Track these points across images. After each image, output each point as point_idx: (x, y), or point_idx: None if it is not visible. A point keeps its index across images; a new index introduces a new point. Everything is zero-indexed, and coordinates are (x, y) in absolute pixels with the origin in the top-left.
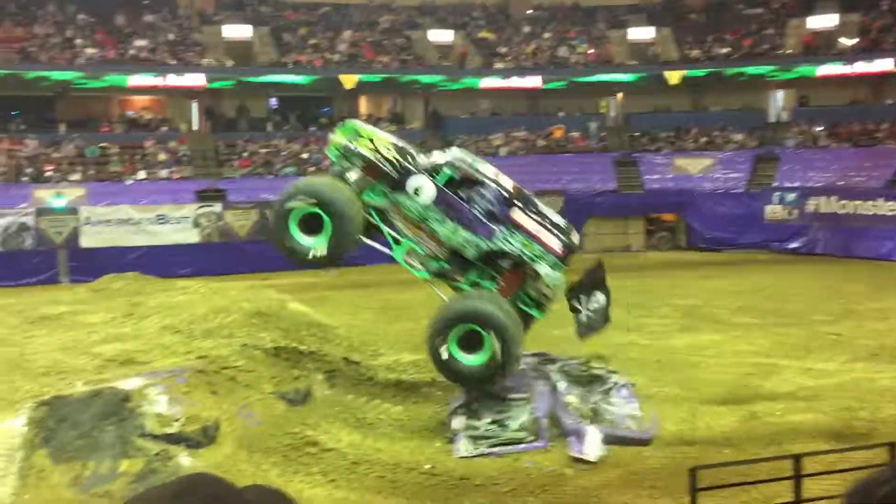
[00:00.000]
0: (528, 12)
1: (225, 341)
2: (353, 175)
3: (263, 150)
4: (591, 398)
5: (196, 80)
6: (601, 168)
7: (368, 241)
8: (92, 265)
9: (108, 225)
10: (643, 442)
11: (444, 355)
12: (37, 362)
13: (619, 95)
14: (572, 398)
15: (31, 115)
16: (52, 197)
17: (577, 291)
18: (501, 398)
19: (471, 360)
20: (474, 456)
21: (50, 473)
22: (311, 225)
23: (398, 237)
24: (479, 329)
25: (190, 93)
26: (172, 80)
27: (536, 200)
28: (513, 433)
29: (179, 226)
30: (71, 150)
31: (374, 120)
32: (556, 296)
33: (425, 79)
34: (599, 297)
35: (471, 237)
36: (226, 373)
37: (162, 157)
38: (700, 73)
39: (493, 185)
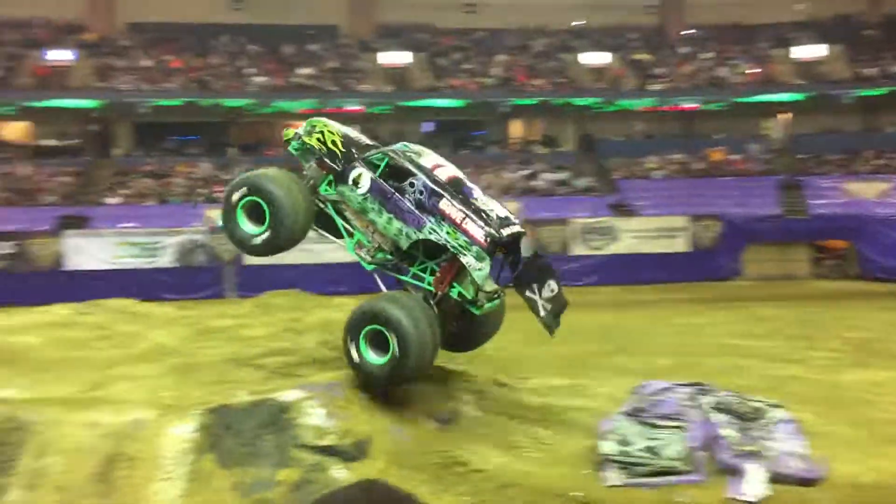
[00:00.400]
0: (685, 32)
1: None
2: (310, 169)
3: None
4: (752, 433)
5: (355, 105)
6: (763, 192)
7: (322, 233)
8: (255, 281)
9: None
10: (811, 482)
11: (354, 355)
12: (205, 372)
13: (786, 116)
14: (730, 432)
15: (206, 139)
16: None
17: (524, 283)
18: (655, 424)
19: (376, 360)
20: (626, 485)
21: (215, 478)
22: (257, 214)
23: (350, 229)
24: (383, 330)
25: (349, 117)
26: (333, 105)
27: (479, 194)
28: (667, 462)
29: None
30: (240, 172)
31: (525, 143)
32: (490, 289)
33: (578, 101)
34: (551, 284)
35: (403, 227)
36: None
37: None
38: (875, 92)
39: (424, 176)
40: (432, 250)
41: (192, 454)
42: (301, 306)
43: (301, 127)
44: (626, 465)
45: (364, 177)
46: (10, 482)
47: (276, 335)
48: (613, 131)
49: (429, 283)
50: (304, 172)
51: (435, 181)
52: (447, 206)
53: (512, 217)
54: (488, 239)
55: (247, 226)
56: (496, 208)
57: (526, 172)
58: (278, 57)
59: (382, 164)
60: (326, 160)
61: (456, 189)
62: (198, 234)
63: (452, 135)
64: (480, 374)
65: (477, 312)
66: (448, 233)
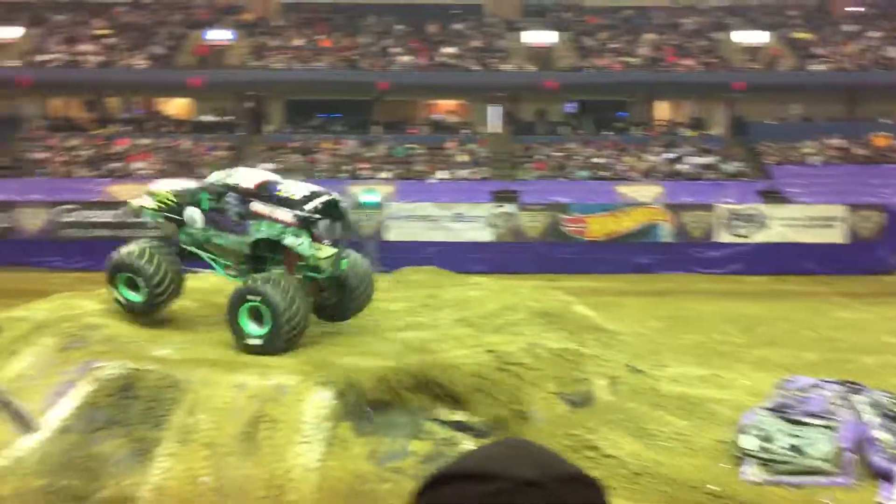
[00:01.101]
0: (851, 10)
1: (512, 338)
2: (164, 227)
3: (558, 154)
4: None
5: (497, 84)
6: None
7: (198, 271)
8: (395, 257)
9: (410, 220)
10: None
11: (246, 329)
12: (343, 342)
13: None
14: (884, 434)
15: (351, 117)
16: (364, 193)
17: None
18: (800, 422)
19: (257, 331)
20: (766, 482)
21: (351, 445)
22: (132, 284)
23: (215, 258)
24: (258, 304)
25: (491, 97)
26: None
27: (286, 185)
28: (812, 462)
29: (475, 224)
30: (383, 150)
31: (671, 125)
32: (325, 255)
33: (730, 82)
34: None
35: (238, 238)
36: (512, 369)
37: (462, 158)
38: None
39: (232, 192)
40: (273, 246)
41: (330, 420)
42: (438, 283)
43: (139, 200)
44: (768, 463)
45: (195, 213)
46: (164, 436)
47: (413, 310)
48: (767, 114)
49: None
50: (161, 232)
51: (243, 191)
52: (257, 206)
53: (319, 190)
54: (295, 217)
55: (129, 294)
56: (299, 191)
57: (671, 156)
58: (423, 36)
59: (204, 198)
60: (170, 216)
61: (262, 190)
62: None
63: (595, 116)
64: (615, 359)
65: (320, 277)
66: (267, 226)
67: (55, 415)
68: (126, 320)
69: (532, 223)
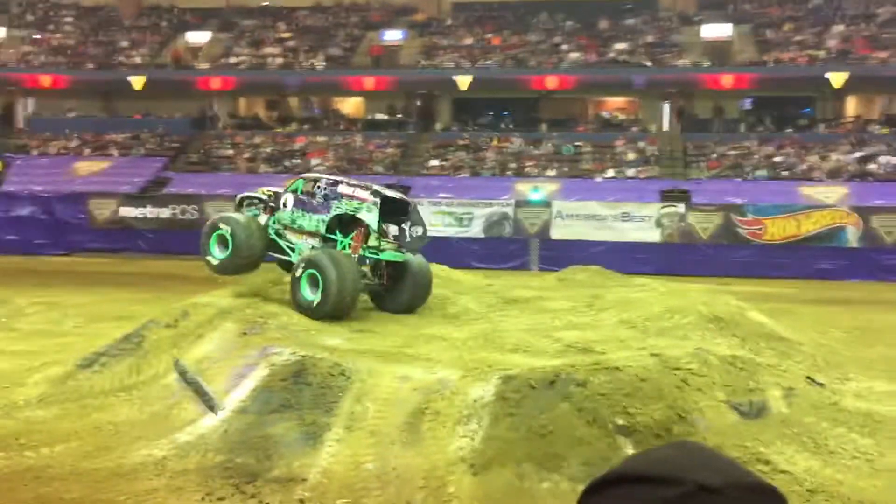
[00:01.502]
0: None
1: (679, 342)
2: (261, 216)
3: (733, 153)
4: None
5: (671, 81)
6: None
7: (277, 256)
8: (559, 255)
9: (576, 219)
10: None
11: (303, 293)
12: (506, 339)
13: None
14: None
15: (518, 115)
16: (530, 190)
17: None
18: None
19: (310, 296)
20: None
21: (509, 440)
22: (224, 242)
23: (292, 245)
24: (315, 272)
25: (663, 94)
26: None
27: (358, 182)
28: None
29: (642, 224)
30: (549, 148)
31: (862, 122)
32: (387, 238)
33: None
34: (422, 227)
35: (318, 217)
36: (677, 374)
37: (631, 156)
38: None
39: (324, 177)
40: (346, 228)
41: (489, 417)
42: (602, 283)
43: (243, 196)
44: None
45: (289, 197)
46: (333, 422)
47: (575, 310)
48: None
49: (347, 247)
50: (259, 218)
51: (333, 177)
52: (343, 187)
53: (396, 192)
54: (372, 195)
55: (215, 250)
56: (381, 189)
57: (860, 155)
58: (594, 32)
59: (300, 186)
60: (268, 202)
61: (344, 179)
62: (506, 207)
63: (774, 112)
64: (792, 370)
65: (382, 257)
66: (346, 204)
67: (235, 396)
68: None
69: (703, 224)
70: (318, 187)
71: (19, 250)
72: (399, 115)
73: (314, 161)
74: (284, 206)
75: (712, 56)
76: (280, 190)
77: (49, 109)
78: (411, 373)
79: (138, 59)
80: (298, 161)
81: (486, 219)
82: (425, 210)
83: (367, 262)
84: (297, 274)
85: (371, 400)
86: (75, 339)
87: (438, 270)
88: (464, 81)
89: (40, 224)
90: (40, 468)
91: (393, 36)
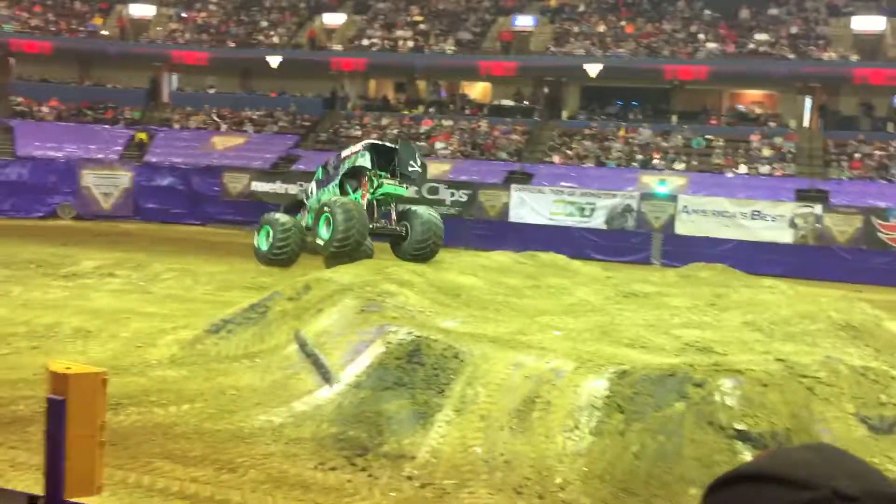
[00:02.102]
0: None
1: (807, 349)
2: (303, 214)
3: (879, 153)
4: None
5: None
6: None
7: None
8: (682, 251)
9: (702, 215)
10: None
11: (320, 233)
12: (622, 333)
13: None
14: None
15: (648, 105)
16: (656, 183)
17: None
18: None
19: (324, 234)
20: None
21: (621, 436)
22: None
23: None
24: (328, 215)
25: (805, 88)
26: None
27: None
28: None
29: (774, 224)
30: (679, 140)
31: None
32: (385, 180)
33: None
34: (418, 162)
35: (333, 184)
36: (803, 381)
37: (766, 152)
38: None
39: (334, 156)
40: (354, 181)
41: (602, 410)
42: (727, 283)
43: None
44: None
45: (312, 187)
46: (444, 403)
47: (697, 308)
48: None
49: (359, 196)
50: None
51: (338, 155)
52: (343, 153)
53: (389, 143)
54: (362, 146)
55: (261, 241)
56: (372, 140)
57: None
58: (734, 22)
59: (319, 173)
60: (304, 202)
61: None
62: (630, 199)
63: None
64: None
65: (382, 190)
66: (348, 161)
67: (351, 371)
68: (417, 292)
69: (841, 227)
70: (331, 164)
71: (158, 218)
72: (526, 102)
73: (439, 144)
74: (311, 193)
75: (862, 50)
76: (309, 186)
77: (191, 85)
78: (525, 360)
79: (276, 39)
80: (424, 144)
81: (609, 210)
82: (546, 199)
83: (381, 208)
84: (318, 217)
85: (483, 384)
86: (204, 305)
87: (557, 260)
88: (594, 69)
89: (178, 194)
90: (168, 425)
91: (524, 21)
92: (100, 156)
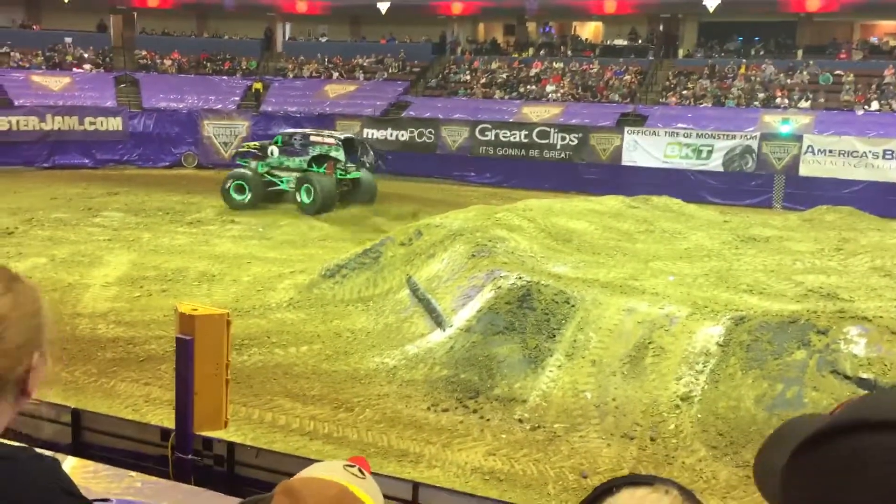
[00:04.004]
0: None
1: None
2: (252, 163)
3: None
4: None
5: None
6: None
7: (271, 189)
8: (806, 194)
9: (829, 155)
10: None
11: (302, 198)
12: (740, 279)
13: None
14: None
15: (771, 40)
16: (779, 123)
17: (354, 154)
18: None
19: (305, 200)
20: None
21: (739, 384)
22: (241, 189)
23: (280, 178)
24: (309, 186)
25: None
26: None
27: (329, 132)
28: None
29: None
30: (804, 76)
31: None
32: (350, 165)
33: None
34: (370, 153)
35: (301, 158)
36: None
37: None
38: None
39: (299, 134)
40: (318, 161)
41: (717, 357)
42: (855, 226)
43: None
44: None
45: (274, 148)
46: (554, 348)
47: (821, 253)
48: None
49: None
50: (251, 164)
51: (304, 132)
52: (314, 137)
53: (348, 134)
54: (336, 140)
55: (236, 195)
56: (338, 134)
57: None
58: None
59: (278, 140)
60: (256, 153)
61: (315, 134)
62: (750, 140)
63: None
64: None
65: (348, 176)
66: (321, 148)
67: (462, 315)
68: (527, 236)
69: None
70: (295, 139)
71: None
72: (640, 41)
73: (549, 87)
74: (272, 154)
75: None
76: (264, 143)
77: (304, 34)
78: (637, 306)
79: None
80: (533, 87)
81: (728, 152)
82: (660, 141)
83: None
84: (298, 187)
85: (594, 329)
86: (320, 250)
87: (671, 204)
88: (712, 3)
89: None
90: (288, 365)
91: None
92: (219, 106)
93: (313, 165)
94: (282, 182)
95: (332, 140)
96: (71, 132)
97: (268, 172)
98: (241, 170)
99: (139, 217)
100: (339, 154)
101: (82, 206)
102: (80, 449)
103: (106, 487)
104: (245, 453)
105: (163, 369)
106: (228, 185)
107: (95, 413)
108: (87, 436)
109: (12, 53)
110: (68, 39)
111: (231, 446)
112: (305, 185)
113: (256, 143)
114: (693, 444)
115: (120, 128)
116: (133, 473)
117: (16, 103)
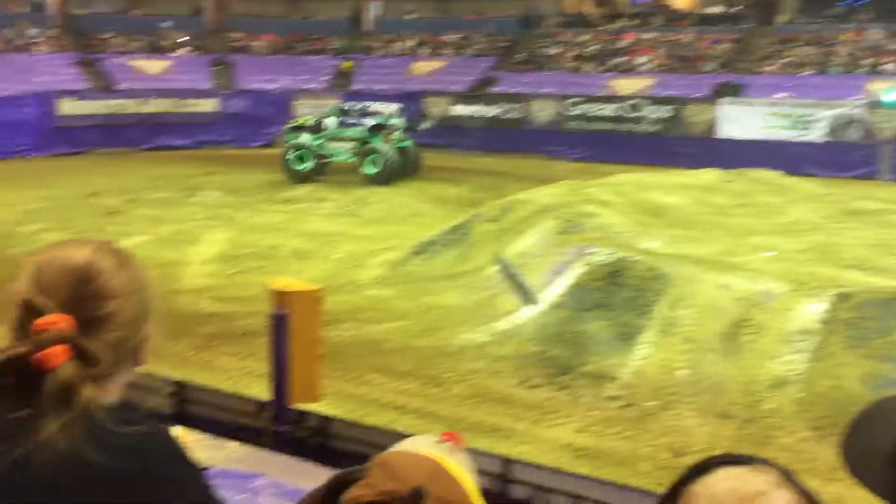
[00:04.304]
0: None
1: None
2: (303, 136)
3: None
4: None
5: None
6: None
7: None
8: None
9: None
10: None
11: (367, 169)
12: (842, 254)
13: None
14: None
15: (879, 3)
16: (886, 90)
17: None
18: None
19: (372, 169)
20: None
21: (842, 364)
22: (301, 159)
23: (332, 152)
24: (375, 156)
25: None
26: None
27: (382, 106)
28: None
29: None
30: None
31: None
32: (403, 135)
33: None
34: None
35: (361, 127)
36: None
37: None
38: None
39: (359, 106)
40: (377, 130)
41: (820, 335)
42: None
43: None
44: None
45: (330, 121)
46: (646, 325)
47: None
48: None
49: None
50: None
51: (362, 103)
52: (374, 107)
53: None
54: (396, 109)
55: (299, 164)
56: (395, 105)
57: None
58: None
59: (337, 111)
60: (310, 127)
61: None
62: (855, 109)
63: None
64: None
65: (405, 144)
66: (380, 116)
67: (551, 291)
68: (618, 211)
69: None
70: (353, 111)
71: None
72: (737, 8)
73: (640, 59)
74: (325, 127)
75: None
76: (317, 117)
77: (392, 12)
78: (733, 282)
79: None
80: (624, 59)
81: (831, 121)
82: (758, 112)
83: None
84: (363, 158)
85: (688, 306)
86: (409, 227)
87: (769, 176)
88: None
89: None
90: (378, 341)
91: None
92: (309, 86)
93: (371, 134)
94: (336, 154)
95: (391, 108)
96: (169, 114)
97: (320, 145)
98: (298, 140)
99: (235, 196)
100: (400, 122)
101: (182, 186)
102: (182, 419)
103: (207, 456)
104: (338, 426)
105: (259, 344)
106: (290, 155)
107: (198, 385)
108: (189, 407)
109: (113, 39)
110: (166, 24)
111: (325, 419)
112: (371, 155)
113: (309, 116)
114: (793, 425)
115: (215, 109)
116: (232, 443)
117: (117, 88)
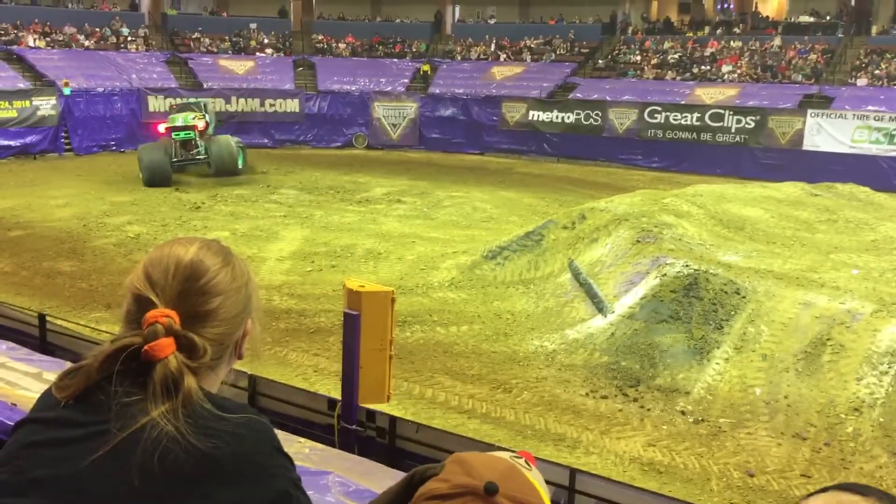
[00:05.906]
0: None
1: None
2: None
3: None
4: None
5: None
6: None
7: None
8: None
9: None
10: None
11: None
12: None
13: None
14: None
15: None
16: None
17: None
18: None
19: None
20: None
21: None
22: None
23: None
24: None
25: None
26: None
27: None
28: None
29: None
30: None
31: None
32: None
33: None
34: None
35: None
36: None
37: None
38: None
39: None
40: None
41: None
42: None
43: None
44: None
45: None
46: (722, 340)
47: None
48: None
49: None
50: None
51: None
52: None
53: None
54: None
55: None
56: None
57: None
58: None
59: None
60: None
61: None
62: None
63: None
64: None
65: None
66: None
67: (624, 302)
68: (696, 223)
69: None
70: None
71: (440, 148)
72: (828, 17)
73: (725, 68)
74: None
75: None
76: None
77: (472, 16)
78: (815, 300)
79: None
80: (708, 67)
81: None
82: (847, 125)
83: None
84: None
85: (766, 322)
86: (482, 231)
87: (857, 191)
88: None
89: (459, 124)
90: (448, 344)
91: None
92: (389, 88)
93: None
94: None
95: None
96: (253, 113)
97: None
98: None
99: (312, 195)
100: (212, 119)
101: (261, 184)
102: None
103: None
104: (406, 427)
105: (331, 341)
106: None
107: (270, 380)
108: (260, 400)
109: (202, 39)
110: (253, 25)
111: (393, 420)
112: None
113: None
114: (873, 450)
115: (297, 109)
116: (301, 439)
117: (205, 86)
